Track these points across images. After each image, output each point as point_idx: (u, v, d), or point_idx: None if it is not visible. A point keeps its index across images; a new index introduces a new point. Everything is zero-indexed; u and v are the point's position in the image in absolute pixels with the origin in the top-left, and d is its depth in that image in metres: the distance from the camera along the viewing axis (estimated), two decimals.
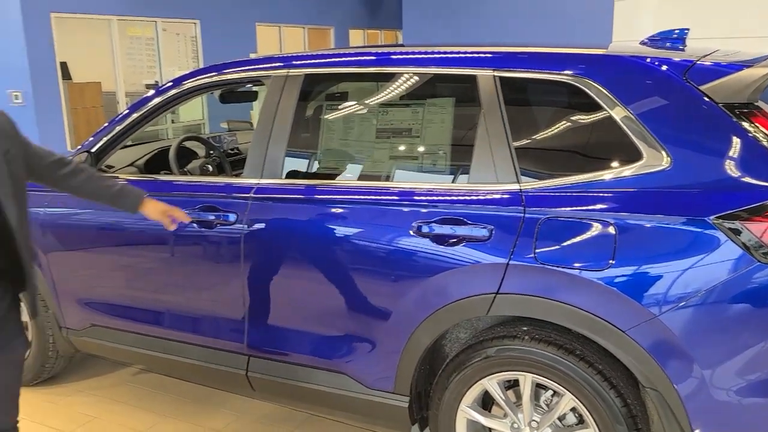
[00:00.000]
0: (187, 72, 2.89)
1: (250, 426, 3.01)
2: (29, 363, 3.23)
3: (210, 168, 3.34)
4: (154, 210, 2.39)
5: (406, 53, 2.55)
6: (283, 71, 2.62)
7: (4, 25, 8.25)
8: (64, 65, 9.00)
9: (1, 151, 1.86)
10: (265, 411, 3.13)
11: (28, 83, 8.25)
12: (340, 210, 2.41)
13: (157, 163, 3.36)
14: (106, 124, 2.99)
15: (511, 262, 2.11)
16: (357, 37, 15.42)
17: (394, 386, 2.40)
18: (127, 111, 2.96)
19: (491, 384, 2.23)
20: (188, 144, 3.49)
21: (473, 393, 2.27)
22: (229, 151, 3.87)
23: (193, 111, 10.57)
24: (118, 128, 2.94)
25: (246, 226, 2.53)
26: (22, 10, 8.11)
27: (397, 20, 15.78)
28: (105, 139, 2.95)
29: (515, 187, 2.17)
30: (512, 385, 2.27)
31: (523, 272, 2.10)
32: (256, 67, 2.74)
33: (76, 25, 9.01)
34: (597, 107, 2.13)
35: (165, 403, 3.22)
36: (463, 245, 2.19)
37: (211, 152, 3.53)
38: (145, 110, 2.90)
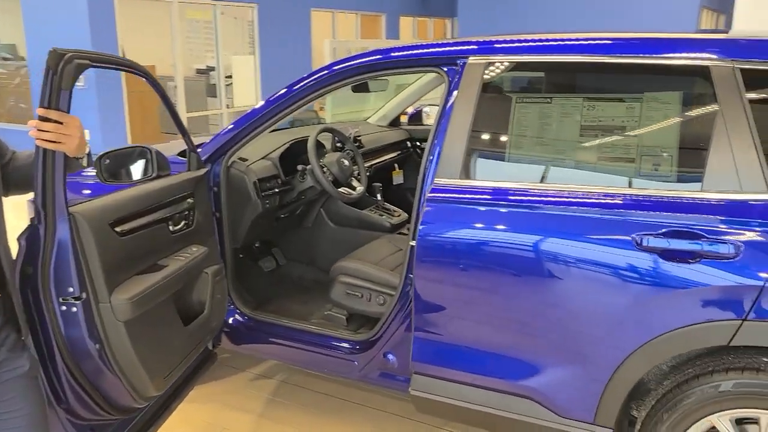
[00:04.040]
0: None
1: None
2: None
3: (346, 162, 3.08)
4: None
5: (626, 40, 2.17)
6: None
7: (71, 7, 8.08)
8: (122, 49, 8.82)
9: None
10: (402, 427, 2.89)
11: None
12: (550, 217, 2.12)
13: (289, 155, 3.12)
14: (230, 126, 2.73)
15: None
16: (407, 25, 15.09)
17: (594, 417, 2.13)
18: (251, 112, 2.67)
19: (722, 421, 1.95)
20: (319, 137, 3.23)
21: (698, 430, 2.00)
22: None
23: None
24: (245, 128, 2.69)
25: None
26: None
27: (449, 8, 15.40)
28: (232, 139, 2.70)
29: None
30: (743, 421, 1.99)
31: None
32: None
33: (136, 9, 8.80)
34: None
35: (289, 413, 2.99)
36: (700, 263, 1.91)
37: (341, 144, 3.28)
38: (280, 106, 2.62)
